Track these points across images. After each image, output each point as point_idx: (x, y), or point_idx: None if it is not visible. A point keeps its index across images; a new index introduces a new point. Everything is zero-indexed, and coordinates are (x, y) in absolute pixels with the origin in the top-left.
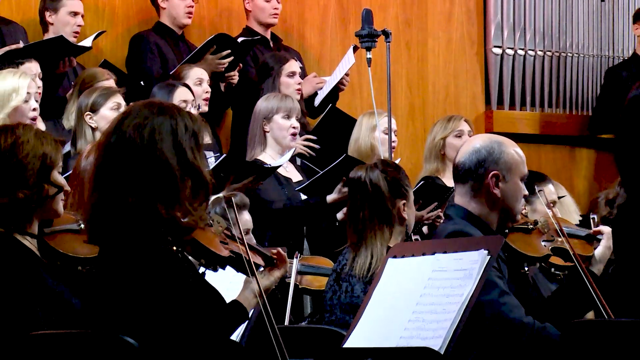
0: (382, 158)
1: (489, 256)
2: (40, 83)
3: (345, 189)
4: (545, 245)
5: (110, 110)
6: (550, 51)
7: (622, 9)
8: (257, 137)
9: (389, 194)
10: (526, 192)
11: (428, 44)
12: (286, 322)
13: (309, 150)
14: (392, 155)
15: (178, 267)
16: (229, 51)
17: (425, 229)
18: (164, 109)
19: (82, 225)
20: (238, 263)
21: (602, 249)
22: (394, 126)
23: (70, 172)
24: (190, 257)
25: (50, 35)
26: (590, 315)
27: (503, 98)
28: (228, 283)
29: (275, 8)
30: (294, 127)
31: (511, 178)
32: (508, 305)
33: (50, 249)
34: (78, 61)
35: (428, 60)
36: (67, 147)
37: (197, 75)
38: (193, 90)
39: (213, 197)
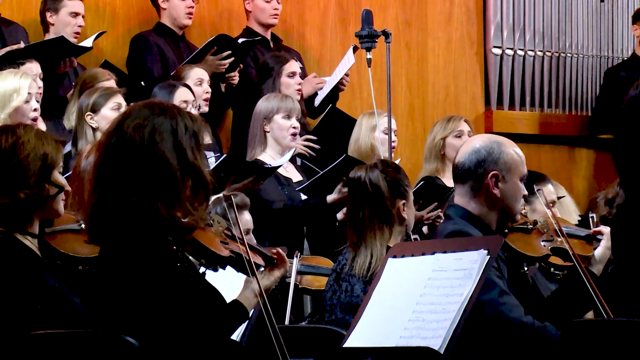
0: (382, 158)
1: (489, 256)
2: (41, 83)
3: (345, 189)
4: (544, 245)
5: (111, 111)
6: (549, 51)
7: (621, 10)
8: (258, 137)
9: (389, 194)
10: (525, 192)
11: (428, 45)
12: (286, 322)
13: (309, 151)
14: (392, 155)
15: (178, 267)
16: (230, 52)
17: (425, 229)
18: (164, 109)
19: (83, 225)
20: (238, 263)
21: (602, 250)
22: (393, 126)
23: (70, 172)
24: (190, 257)
25: (51, 35)
26: (589, 315)
27: (503, 98)
28: (228, 283)
29: (275, 9)
30: (294, 127)
31: (510, 178)
32: (508, 304)
33: (51, 248)
34: (79, 61)
35: (428, 61)
36: (68, 147)
37: (198, 76)
38: (193, 91)
39: (213, 197)
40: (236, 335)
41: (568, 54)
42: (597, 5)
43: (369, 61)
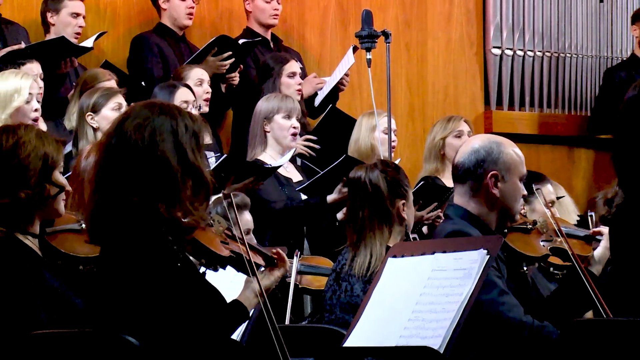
0: (382, 158)
1: (488, 256)
2: (41, 83)
3: (345, 189)
4: (544, 245)
5: (112, 111)
6: (549, 52)
7: (620, 10)
8: (258, 137)
9: (389, 194)
10: (525, 192)
11: (427, 45)
12: (286, 322)
13: (309, 151)
14: (392, 155)
15: (179, 267)
16: (230, 53)
17: (424, 229)
18: (164, 109)
19: (83, 225)
20: (238, 263)
21: (602, 250)
22: (393, 126)
23: (71, 172)
24: (190, 257)
25: (51, 36)
26: (589, 314)
27: (502, 98)
28: (228, 283)
29: (275, 9)
30: (294, 128)
31: (510, 178)
32: (507, 304)
33: (51, 248)
34: (79, 62)
35: (427, 61)
36: (69, 148)
37: (198, 76)
38: (194, 91)
39: (214, 197)
40: (236, 335)
41: (567, 55)
42: (597, 5)
43: (369, 61)
